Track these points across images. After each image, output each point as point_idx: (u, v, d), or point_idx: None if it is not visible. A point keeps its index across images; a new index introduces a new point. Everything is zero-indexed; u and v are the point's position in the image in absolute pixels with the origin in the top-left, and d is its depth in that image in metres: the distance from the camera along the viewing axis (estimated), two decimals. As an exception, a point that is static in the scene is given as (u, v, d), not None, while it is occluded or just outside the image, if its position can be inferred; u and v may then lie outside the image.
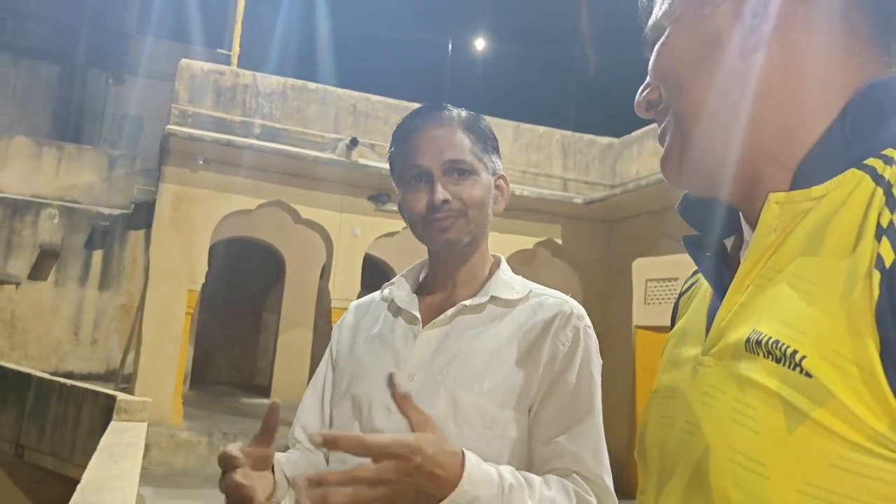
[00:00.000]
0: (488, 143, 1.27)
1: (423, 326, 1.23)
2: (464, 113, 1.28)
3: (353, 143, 9.28)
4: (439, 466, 0.91)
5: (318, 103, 9.60)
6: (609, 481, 1.14)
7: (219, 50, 13.41)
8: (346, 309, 1.43)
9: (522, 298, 1.24)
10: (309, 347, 12.21)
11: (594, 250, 10.60)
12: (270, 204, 9.46)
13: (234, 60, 11.27)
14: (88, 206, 12.39)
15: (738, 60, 0.63)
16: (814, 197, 0.59)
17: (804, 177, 0.61)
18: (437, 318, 1.23)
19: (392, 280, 1.35)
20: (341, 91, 9.87)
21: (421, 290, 1.31)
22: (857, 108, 0.61)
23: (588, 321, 1.23)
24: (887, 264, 0.50)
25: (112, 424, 5.92)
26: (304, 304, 12.22)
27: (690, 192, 0.72)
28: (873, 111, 0.60)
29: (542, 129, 10.65)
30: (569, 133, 10.80)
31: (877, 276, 0.50)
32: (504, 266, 1.30)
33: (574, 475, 1.12)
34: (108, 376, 11.14)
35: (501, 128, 9.75)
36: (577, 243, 10.53)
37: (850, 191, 0.56)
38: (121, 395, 6.55)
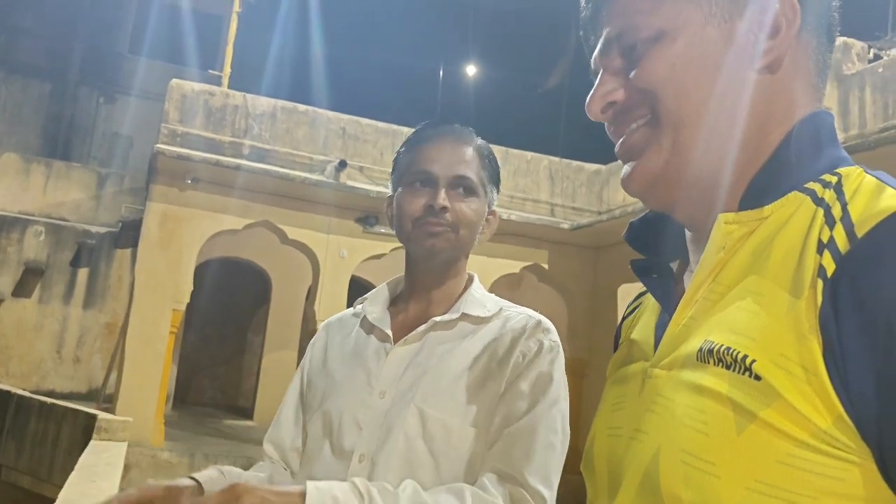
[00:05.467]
0: (493, 174, 1.31)
1: (395, 343, 1.24)
2: (480, 139, 1.31)
3: (342, 165, 9.31)
4: (272, 493, 0.94)
5: (307, 125, 9.64)
6: (543, 489, 1.10)
7: (210, 71, 13.43)
8: None
9: (493, 315, 1.25)
10: (293, 369, 12.00)
11: (580, 275, 10.63)
12: (258, 224, 9.46)
13: (225, 81, 11.33)
14: (75, 224, 12.33)
15: (743, 76, 0.65)
16: (762, 217, 0.63)
17: (753, 197, 0.65)
18: (409, 335, 1.23)
19: (365, 296, 1.36)
20: (331, 114, 9.93)
21: (395, 306, 1.32)
22: (799, 137, 0.65)
23: (555, 336, 1.22)
24: (829, 274, 0.54)
25: (91, 444, 5.85)
26: (289, 326, 12.16)
27: (654, 206, 0.73)
28: (812, 140, 0.65)
29: (530, 154, 10.72)
30: (556, 159, 10.89)
31: (820, 284, 0.54)
32: (476, 284, 1.31)
33: (489, 475, 1.10)
34: (90, 395, 11.01)
35: (490, 153, 9.80)
36: (564, 268, 10.56)
37: (793, 211, 0.61)
38: (101, 414, 6.49)
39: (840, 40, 6.63)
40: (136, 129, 15.53)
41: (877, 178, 0.59)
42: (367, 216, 9.52)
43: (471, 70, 23.11)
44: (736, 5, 0.66)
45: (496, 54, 22.84)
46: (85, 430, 6.41)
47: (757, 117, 0.65)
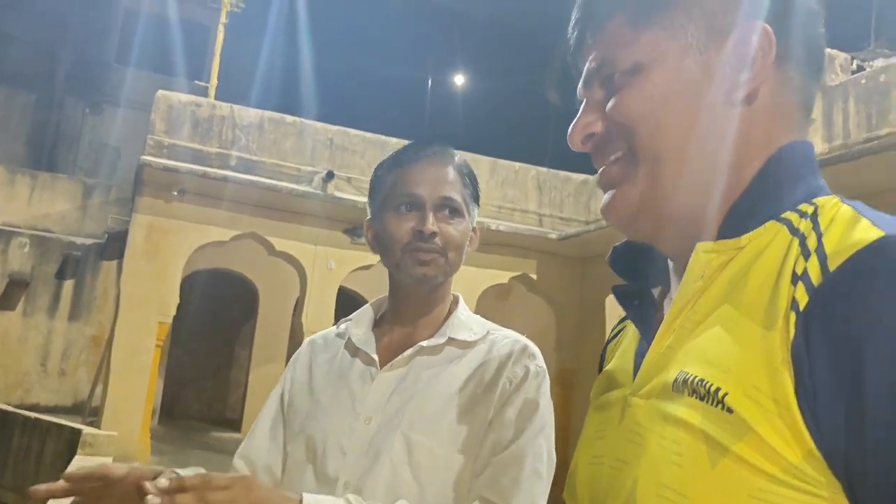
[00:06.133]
0: (473, 192, 1.29)
1: (381, 368, 1.22)
2: (458, 156, 1.30)
3: (330, 176, 9.29)
4: (276, 494, 0.97)
5: (295, 136, 9.63)
6: None
7: (197, 82, 13.42)
8: None
9: (480, 339, 1.23)
10: (281, 381, 12.01)
11: (568, 286, 10.64)
12: (245, 236, 9.42)
13: (212, 92, 11.31)
14: (60, 236, 12.24)
15: (719, 108, 0.65)
16: (740, 246, 0.63)
17: (730, 226, 0.65)
18: (395, 360, 1.21)
19: (349, 316, 1.34)
20: (318, 124, 9.92)
21: (379, 328, 1.30)
22: (777, 167, 0.65)
23: (540, 361, 1.22)
24: (801, 307, 0.54)
25: (76, 458, 5.78)
26: (276, 339, 12.10)
27: (633, 237, 0.73)
28: (789, 169, 0.65)
29: (518, 165, 10.75)
30: (544, 169, 10.92)
31: (793, 317, 0.54)
32: (462, 306, 1.30)
33: (481, 499, 1.10)
34: (75, 409, 10.89)
35: (478, 163, 9.82)
36: (552, 278, 10.58)
37: (769, 241, 0.61)
38: (86, 429, 6.43)
39: (824, 52, 6.67)
40: (123, 139, 15.45)
41: (853, 207, 0.58)
42: (354, 227, 9.50)
43: (459, 80, 23.19)
44: (713, 37, 0.66)
45: (484, 65, 22.92)
46: (69, 444, 6.34)
47: (735, 148, 0.65)
